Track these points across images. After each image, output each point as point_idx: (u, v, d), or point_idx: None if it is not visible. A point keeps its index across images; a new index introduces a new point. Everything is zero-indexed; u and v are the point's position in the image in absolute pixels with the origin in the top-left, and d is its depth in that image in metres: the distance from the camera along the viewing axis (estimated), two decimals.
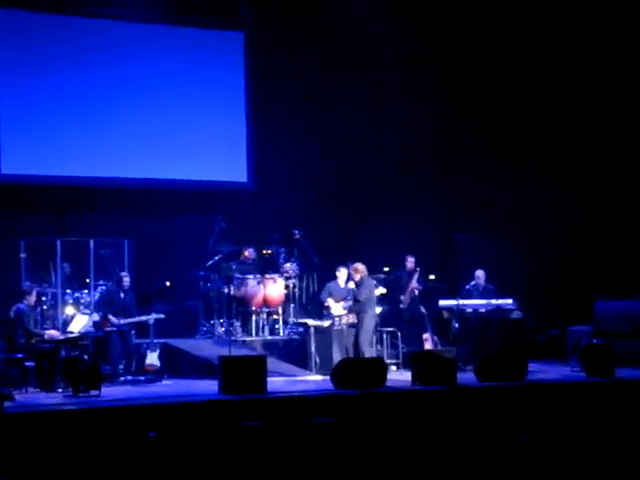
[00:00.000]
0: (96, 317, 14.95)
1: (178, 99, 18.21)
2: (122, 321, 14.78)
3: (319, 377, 14.83)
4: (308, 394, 12.88)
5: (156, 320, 15.03)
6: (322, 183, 18.64)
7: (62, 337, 14.13)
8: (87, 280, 15.98)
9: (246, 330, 16.46)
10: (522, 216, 18.48)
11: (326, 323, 15.51)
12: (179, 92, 18.25)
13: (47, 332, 14.14)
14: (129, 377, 14.54)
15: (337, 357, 14.79)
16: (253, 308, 16.39)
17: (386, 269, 16.89)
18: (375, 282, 15.50)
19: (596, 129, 18.47)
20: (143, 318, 14.97)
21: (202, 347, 15.81)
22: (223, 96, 18.67)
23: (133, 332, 15.12)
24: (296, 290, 16.80)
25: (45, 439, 10.03)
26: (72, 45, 17.47)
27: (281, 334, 16.40)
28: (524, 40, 18.40)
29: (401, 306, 16.56)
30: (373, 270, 15.89)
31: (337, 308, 15.37)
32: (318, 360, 15.34)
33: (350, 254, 15.83)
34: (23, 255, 15.75)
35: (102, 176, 17.56)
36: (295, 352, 15.91)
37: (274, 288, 16.37)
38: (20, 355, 13.57)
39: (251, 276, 16.47)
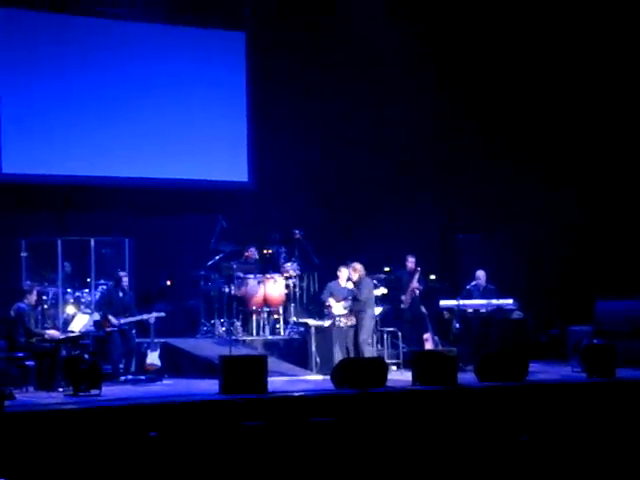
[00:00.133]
0: (97, 316, 14.95)
1: (179, 99, 18.20)
2: (122, 320, 14.79)
3: (320, 377, 14.83)
4: (309, 394, 12.87)
5: (157, 319, 15.03)
6: (322, 183, 18.64)
7: (63, 336, 14.13)
8: (88, 279, 15.99)
9: (247, 330, 16.47)
10: (522, 216, 18.49)
11: (327, 323, 15.50)
12: (180, 92, 18.24)
13: (47, 331, 14.14)
14: (130, 376, 14.54)
15: (338, 357, 14.78)
16: (254, 308, 16.40)
17: (387, 269, 16.89)
18: (375, 281, 15.52)
19: (596, 129, 18.48)
20: (144, 317, 14.98)
21: (203, 347, 15.81)
22: (224, 96, 18.67)
23: (134, 331, 15.13)
24: (297, 290, 16.81)
25: (45, 438, 10.03)
26: (73, 44, 17.46)
27: (282, 334, 16.41)
28: (524, 40, 18.41)
29: (402, 306, 16.57)
30: (373, 270, 15.91)
31: (338, 308, 15.37)
32: (319, 360, 15.33)
33: (350, 254, 15.82)
34: (24, 254, 15.76)
35: (103, 175, 17.55)
36: (296, 352, 15.92)
37: (275, 288, 16.38)
38: (21, 354, 13.58)
39: (252, 276, 16.47)
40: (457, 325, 16.49)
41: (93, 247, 15.84)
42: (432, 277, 17.40)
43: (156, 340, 14.99)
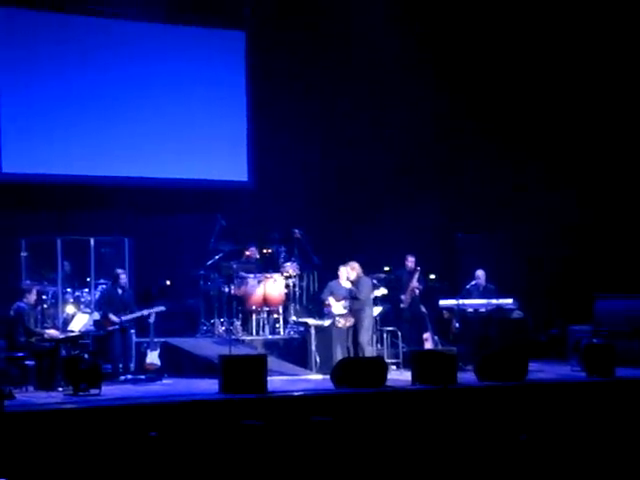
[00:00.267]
0: (96, 316, 14.96)
1: (179, 98, 18.20)
2: (123, 318, 14.81)
3: (319, 376, 14.84)
4: (308, 393, 12.88)
5: (156, 319, 15.03)
6: (322, 182, 18.65)
7: (62, 336, 14.13)
8: (87, 279, 16.00)
9: (246, 329, 16.46)
10: (522, 216, 18.48)
11: (326, 322, 15.51)
12: (180, 91, 18.24)
13: (47, 331, 14.14)
14: (129, 376, 14.55)
15: (337, 356, 14.79)
16: (253, 307, 16.40)
17: (386, 269, 16.89)
18: (375, 281, 15.52)
19: (596, 129, 18.47)
20: (144, 312, 14.99)
21: (202, 346, 15.81)
22: (224, 95, 18.66)
23: (133, 331, 15.14)
24: (296, 289, 16.81)
25: (45, 438, 10.02)
26: (73, 44, 17.46)
27: (281, 333, 16.41)
28: (524, 40, 18.40)
29: (401, 305, 16.57)
30: (373, 269, 15.91)
31: (338, 307, 15.36)
32: (318, 359, 15.34)
33: (350, 253, 15.82)
34: (24, 254, 15.76)
35: (102, 175, 17.55)
36: (295, 351, 15.92)
37: (274, 287, 16.38)
38: (20, 354, 13.58)
39: (251, 275, 16.48)
40: (457, 325, 16.49)
41: (93, 246, 15.86)
42: (432, 276, 17.40)
43: (156, 339, 14.99)
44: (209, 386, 13.28)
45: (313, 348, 15.44)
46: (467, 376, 14.15)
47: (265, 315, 16.49)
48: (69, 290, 15.80)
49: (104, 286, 15.65)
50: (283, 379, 14.39)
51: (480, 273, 16.70)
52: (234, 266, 16.54)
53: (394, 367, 15.42)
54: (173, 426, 10.59)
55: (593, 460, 8.38)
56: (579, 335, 15.96)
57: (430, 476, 8.41)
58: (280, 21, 18.47)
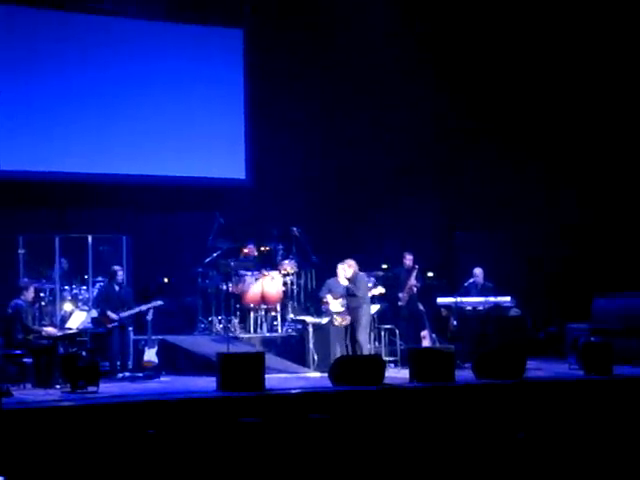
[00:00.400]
0: (94, 313, 14.96)
1: (177, 96, 18.19)
2: (122, 314, 14.81)
3: (317, 374, 14.84)
4: (306, 391, 12.87)
5: (154, 316, 15.03)
6: (320, 180, 18.64)
7: (60, 333, 14.13)
8: (85, 276, 15.99)
9: (244, 327, 16.46)
10: (521, 215, 18.49)
11: (324, 320, 15.51)
12: (178, 89, 18.23)
13: (45, 328, 14.13)
14: (127, 374, 14.55)
15: (335, 354, 14.79)
16: (251, 305, 16.40)
17: (384, 266, 16.89)
18: (373, 279, 15.52)
19: (596, 129, 18.47)
20: (142, 308, 15.00)
21: (200, 344, 15.80)
22: (222, 93, 18.65)
23: (131, 328, 15.14)
24: (294, 287, 16.80)
25: (43, 435, 10.03)
26: (71, 41, 17.46)
27: (279, 331, 16.40)
28: (524, 40, 18.39)
29: (399, 303, 16.56)
30: (371, 267, 15.91)
31: (335, 305, 15.36)
32: (316, 357, 15.35)
33: (348, 251, 15.81)
34: (21, 251, 15.75)
35: (100, 172, 17.55)
36: (293, 349, 15.91)
37: (272, 285, 16.37)
38: (18, 351, 13.55)
39: (249, 273, 16.47)
40: (455, 322, 16.49)
41: (91, 244, 15.85)
42: (430, 274, 17.40)
43: (153, 337, 15.00)
44: (207, 384, 13.27)
45: (311, 346, 15.44)
46: (465, 374, 14.14)
47: (263, 313, 16.48)
48: (67, 288, 15.80)
49: (102, 284, 15.65)
50: (281, 377, 14.38)
51: (478, 271, 16.71)
52: (232, 264, 16.53)
53: (392, 365, 15.42)
54: (171, 424, 10.59)
55: (591, 458, 8.39)
56: (577, 333, 15.96)
57: (428, 474, 8.42)
58: (278, 19, 18.46)
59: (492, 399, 12.78)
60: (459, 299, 16.39)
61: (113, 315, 14.74)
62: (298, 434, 8.97)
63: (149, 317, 14.99)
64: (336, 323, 15.21)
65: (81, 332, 14.59)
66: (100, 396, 12.49)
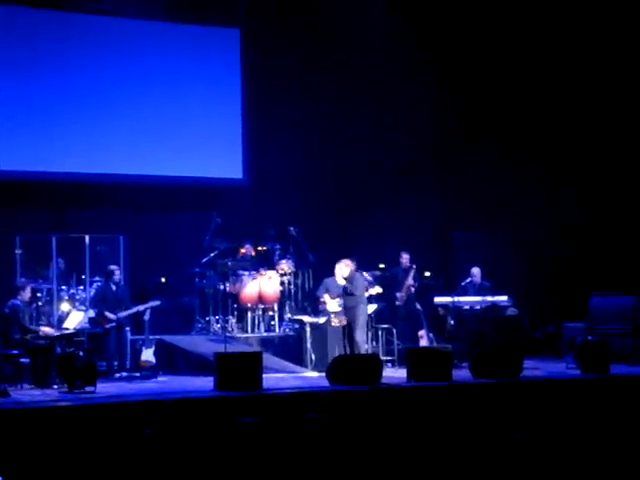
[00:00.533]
0: (91, 313, 14.96)
1: (174, 95, 18.18)
2: (119, 314, 14.81)
3: (315, 374, 14.84)
4: (303, 391, 12.87)
5: (151, 316, 15.03)
6: (318, 180, 18.63)
7: (57, 333, 14.13)
8: (82, 276, 15.98)
9: (242, 327, 16.47)
10: (518, 214, 18.49)
11: (322, 320, 15.51)
12: (175, 88, 18.22)
13: (42, 328, 14.13)
14: (124, 373, 14.54)
15: (333, 354, 14.79)
16: (249, 305, 16.40)
17: (381, 266, 16.89)
18: (370, 279, 15.51)
19: (596, 129, 18.47)
20: (140, 308, 15.00)
21: (197, 343, 15.81)
22: (219, 93, 18.64)
23: (128, 328, 15.13)
24: (291, 287, 16.81)
25: (40, 436, 10.02)
26: (69, 41, 17.45)
27: (277, 331, 16.41)
28: (524, 40, 18.39)
29: (397, 303, 16.56)
30: (368, 267, 15.90)
31: (332, 305, 15.35)
32: (314, 357, 15.35)
33: (346, 251, 15.81)
34: (18, 251, 15.74)
35: (98, 172, 17.54)
36: (291, 349, 15.91)
37: (270, 284, 16.38)
38: (15, 351, 13.56)
39: (247, 273, 16.47)
40: (452, 322, 16.49)
41: (88, 244, 15.85)
42: (427, 274, 17.41)
43: (151, 337, 15.00)
44: (204, 383, 13.27)
45: (308, 345, 15.45)
46: (462, 373, 14.15)
47: (260, 312, 16.49)
48: (64, 288, 15.78)
49: (99, 284, 15.64)
50: (278, 376, 14.38)
51: (475, 271, 16.70)
52: (229, 263, 16.54)
53: (389, 364, 15.43)
54: (168, 423, 10.59)
55: (588, 457, 8.39)
56: (574, 332, 15.95)
57: (425, 473, 8.42)
58: (276, 19, 18.45)
59: (489, 398, 12.79)
60: (456, 299, 16.40)
61: (110, 315, 14.75)
62: (296, 434, 8.97)
63: (146, 317, 14.99)
64: (333, 324, 15.21)
65: (78, 332, 14.58)
66: (97, 396, 12.49)
